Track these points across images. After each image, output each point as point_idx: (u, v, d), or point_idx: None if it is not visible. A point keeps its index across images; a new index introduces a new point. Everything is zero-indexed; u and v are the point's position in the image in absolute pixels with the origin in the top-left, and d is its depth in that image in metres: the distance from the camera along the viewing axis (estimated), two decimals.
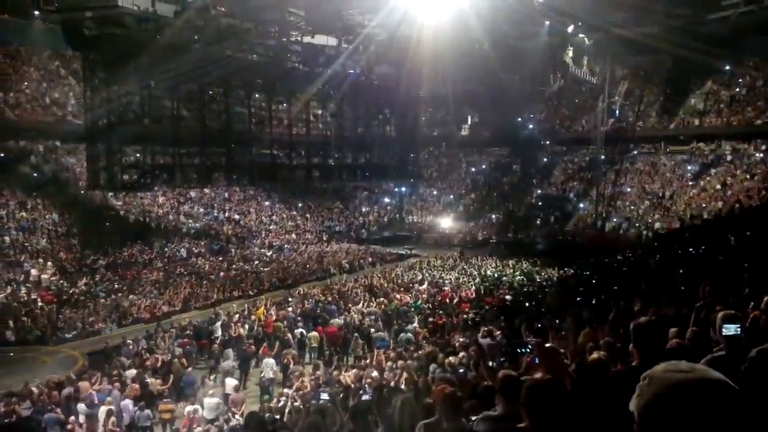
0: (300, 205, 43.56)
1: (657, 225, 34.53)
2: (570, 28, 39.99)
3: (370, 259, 34.12)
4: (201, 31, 27.55)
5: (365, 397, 8.21)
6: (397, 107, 38.60)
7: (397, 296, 22.93)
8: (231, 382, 14.21)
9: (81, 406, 12.04)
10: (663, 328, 6.94)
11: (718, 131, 38.73)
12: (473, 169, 48.71)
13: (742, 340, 3.78)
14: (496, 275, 27.96)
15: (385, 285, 25.45)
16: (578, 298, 14.60)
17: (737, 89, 39.90)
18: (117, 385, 13.16)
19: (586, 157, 43.14)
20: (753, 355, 3.37)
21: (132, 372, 14.37)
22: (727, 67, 39.56)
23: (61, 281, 24.81)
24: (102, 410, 11.58)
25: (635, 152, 41.74)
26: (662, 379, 1.11)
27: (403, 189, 48.35)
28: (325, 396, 8.25)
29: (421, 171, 46.94)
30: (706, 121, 39.58)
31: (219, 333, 18.55)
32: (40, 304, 22.22)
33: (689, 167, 39.08)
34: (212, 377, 14.41)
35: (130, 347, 17.01)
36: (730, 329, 3.96)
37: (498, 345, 11.51)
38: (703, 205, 34.23)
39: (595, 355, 5.20)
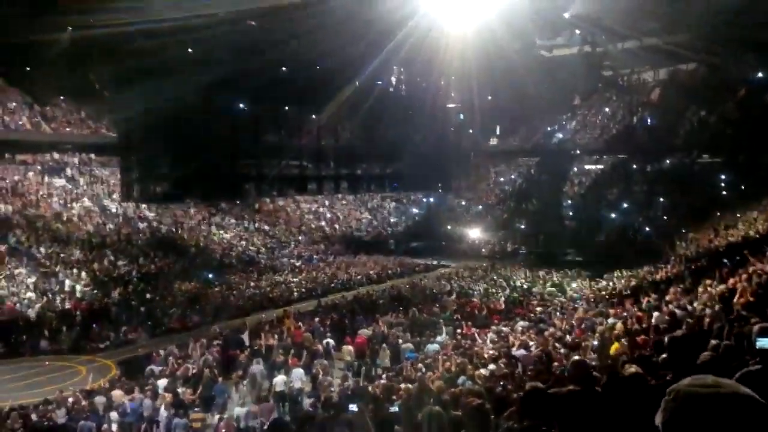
0: (329, 216, 43.78)
1: (690, 235, 33.84)
2: (601, 37, 39.69)
3: (398, 270, 34.06)
4: (234, 44, 28.00)
5: (392, 409, 8.18)
6: (425, 118, 38.68)
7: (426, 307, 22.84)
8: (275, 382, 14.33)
9: (114, 415, 12.23)
10: (698, 341, 6.81)
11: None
12: (502, 179, 48.43)
13: None
14: (525, 286, 27.68)
15: (413, 296, 25.38)
16: None
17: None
18: (149, 394, 13.33)
19: (617, 166, 42.55)
20: None
21: (163, 381, 14.54)
22: (760, 75, 38.76)
23: (95, 291, 25.24)
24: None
25: (668, 161, 41.03)
26: (687, 394, 1.09)
27: (432, 199, 48.28)
28: (353, 407, 8.25)
29: (450, 181, 46.87)
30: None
31: (247, 343, 18.68)
32: (74, 314, 22.65)
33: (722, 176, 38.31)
34: (243, 384, 14.55)
35: (162, 357, 17.22)
36: (765, 343, 3.88)
37: (531, 356, 11.39)
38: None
39: (632, 368, 5.12)
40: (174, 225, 34.78)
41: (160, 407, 12.69)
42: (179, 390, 13.92)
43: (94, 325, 21.77)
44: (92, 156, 37.00)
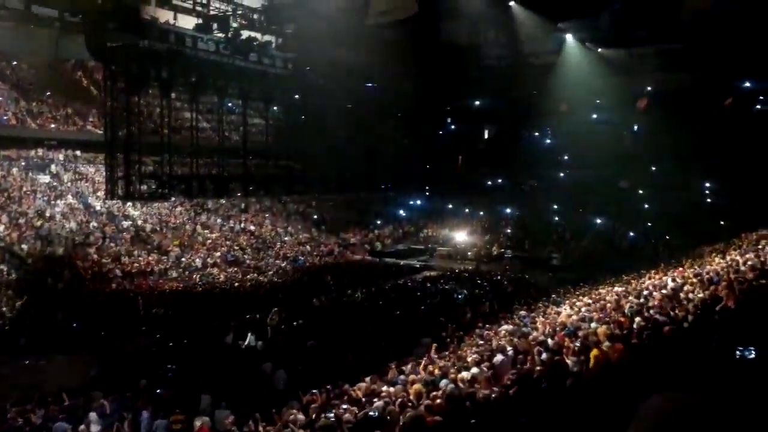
0: (315, 216, 43.68)
1: (674, 242, 34.17)
2: (589, 44, 39.90)
3: (383, 272, 34.00)
4: (221, 43, 27.96)
5: (372, 414, 8.14)
6: (414, 120, 38.75)
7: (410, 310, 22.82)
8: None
9: (92, 416, 12.07)
10: (679, 347, 6.85)
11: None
12: (489, 183, 48.48)
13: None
14: (510, 290, 27.77)
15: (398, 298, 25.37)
16: None
17: (758, 106, 39.45)
18: (129, 395, 13.19)
19: (604, 173, 42.76)
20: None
21: (144, 381, 14.39)
22: (747, 84, 39.15)
23: (78, 289, 24.99)
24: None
25: (653, 168, 41.32)
26: (656, 410, 1.08)
27: (418, 202, 48.29)
28: (330, 415, 8.20)
29: (437, 184, 46.95)
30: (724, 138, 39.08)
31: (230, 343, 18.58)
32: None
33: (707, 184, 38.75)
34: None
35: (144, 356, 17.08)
36: (746, 352, 3.89)
37: (512, 359, 11.39)
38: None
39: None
40: (159, 224, 34.61)
41: (142, 409, 12.55)
42: (160, 390, 13.79)
43: (74, 324, 21.53)
44: (78, 153, 36.74)
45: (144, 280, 27.81)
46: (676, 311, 10.78)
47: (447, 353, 15.13)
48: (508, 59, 42.75)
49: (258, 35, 29.81)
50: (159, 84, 26.80)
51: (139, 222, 34.07)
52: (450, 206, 46.54)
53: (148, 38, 25.22)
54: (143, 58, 25.37)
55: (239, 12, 29.53)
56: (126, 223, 33.36)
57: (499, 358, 11.47)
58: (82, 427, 11.59)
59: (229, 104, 34.06)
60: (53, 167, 34.88)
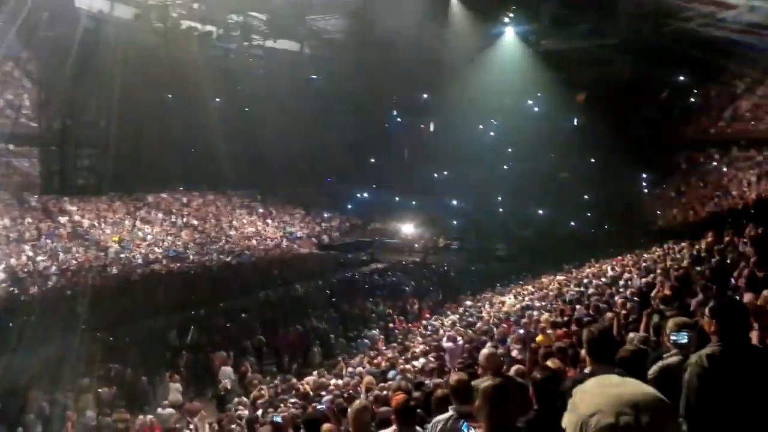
0: (261, 210, 43.10)
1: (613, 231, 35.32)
2: (529, 38, 40.60)
3: (332, 265, 33.91)
4: (161, 34, 27.21)
5: (320, 407, 8.12)
6: (360, 113, 38.66)
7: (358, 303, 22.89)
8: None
9: (30, 417, 11.67)
10: (618, 334, 7.06)
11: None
12: (435, 176, 48.87)
13: (690, 347, 3.84)
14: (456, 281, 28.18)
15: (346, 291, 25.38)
16: None
17: (692, 99, 41.06)
18: (71, 395, 12.83)
19: (545, 165, 43.73)
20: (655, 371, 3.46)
21: (86, 381, 14.00)
22: (681, 78, 40.64)
23: (12, 288, 23.98)
24: None
25: (593, 160, 42.50)
26: (593, 395, 1.09)
27: (366, 195, 48.27)
28: (278, 419, 8.16)
29: (384, 177, 47.00)
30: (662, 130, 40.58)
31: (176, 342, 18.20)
32: None
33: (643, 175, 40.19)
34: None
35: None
36: (680, 337, 4.03)
37: (459, 349, 11.54)
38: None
39: (549, 363, 5.24)
40: (97, 219, 33.46)
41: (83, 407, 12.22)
42: (100, 390, 13.44)
43: (10, 324, 20.64)
44: (11, 147, 35.13)
45: (82, 277, 26.84)
46: (615, 298, 11.15)
47: (395, 344, 15.25)
48: (450, 53, 43.07)
49: (198, 25, 29.15)
50: (96, 75, 25.88)
51: (76, 217, 32.87)
52: (397, 199, 46.70)
53: (84, 28, 24.30)
54: (77, 49, 24.43)
55: (178, 1, 28.76)
56: (63, 219, 32.15)
57: (447, 345, 11.62)
58: (20, 429, 11.20)
59: (169, 96, 33.19)
60: None
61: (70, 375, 14.71)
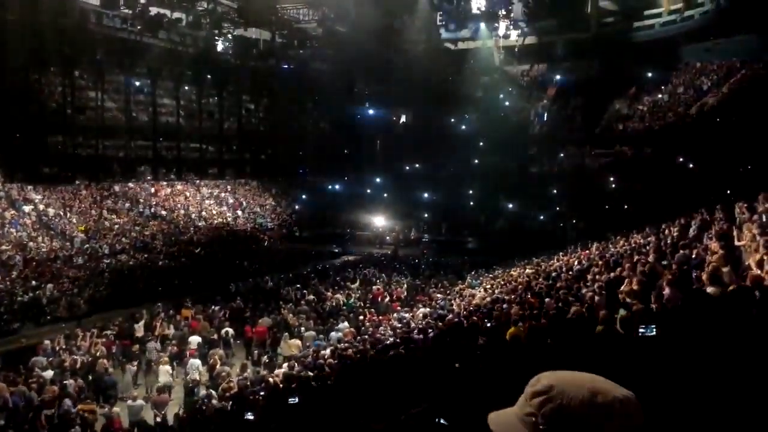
0: (231, 201, 42.68)
1: (581, 224, 35.78)
2: (502, 31, 40.88)
3: (303, 257, 33.75)
4: (129, 20, 26.74)
5: (291, 400, 8.09)
6: (332, 103, 38.49)
7: (329, 294, 22.83)
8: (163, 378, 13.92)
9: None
10: (585, 327, 7.16)
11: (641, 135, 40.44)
12: (407, 168, 48.95)
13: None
14: (427, 273, 28.29)
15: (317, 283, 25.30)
16: None
17: (659, 95, 41.71)
18: (34, 387, 12.57)
19: (515, 158, 44.12)
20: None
21: (50, 373, 13.73)
22: (650, 74, 41.29)
23: None
24: None
25: (562, 155, 42.99)
26: (564, 393, 1.09)
27: (337, 187, 48.14)
28: (250, 417, 8.13)
29: (356, 168, 46.92)
30: (630, 126, 41.16)
31: (141, 333, 17.94)
32: None
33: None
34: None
35: (48, 347, 16.18)
36: (646, 330, 4.12)
37: (429, 341, 11.61)
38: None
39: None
40: (62, 208, 32.74)
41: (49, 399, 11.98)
42: (66, 382, 13.19)
43: None
44: None
45: (47, 267, 26.27)
46: (583, 291, 11.30)
47: (365, 337, 15.25)
48: (423, 44, 43.15)
49: (167, 12, 28.66)
50: (61, 61, 25.32)
51: (42, 206, 32.13)
52: (369, 191, 46.67)
53: (49, 13, 23.72)
54: (42, 34, 23.84)
55: None
56: (27, 208, 31.38)
57: (418, 338, 11.68)
58: None
59: (137, 83, 32.57)
60: None
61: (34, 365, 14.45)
